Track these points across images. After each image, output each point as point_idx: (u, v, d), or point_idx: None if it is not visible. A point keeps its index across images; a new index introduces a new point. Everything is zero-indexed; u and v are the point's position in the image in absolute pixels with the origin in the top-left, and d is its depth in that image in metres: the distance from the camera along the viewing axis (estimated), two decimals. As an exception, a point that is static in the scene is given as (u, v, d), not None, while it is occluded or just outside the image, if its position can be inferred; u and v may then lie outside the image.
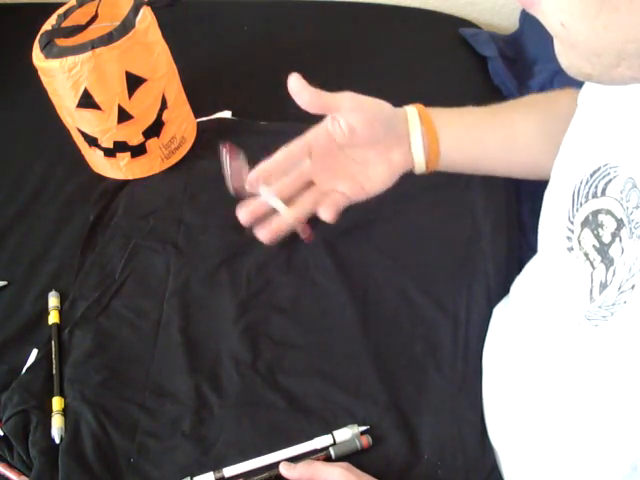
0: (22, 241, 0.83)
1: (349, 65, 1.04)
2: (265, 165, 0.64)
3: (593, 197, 0.49)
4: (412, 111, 0.64)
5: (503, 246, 0.78)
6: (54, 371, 0.69)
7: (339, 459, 0.62)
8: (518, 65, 1.06)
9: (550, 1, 0.33)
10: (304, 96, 0.57)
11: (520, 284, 0.68)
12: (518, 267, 0.71)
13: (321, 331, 0.72)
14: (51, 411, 0.66)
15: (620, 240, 0.46)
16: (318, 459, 0.62)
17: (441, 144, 0.64)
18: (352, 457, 0.63)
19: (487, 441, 0.64)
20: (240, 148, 0.64)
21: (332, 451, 0.63)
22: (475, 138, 0.66)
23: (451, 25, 1.12)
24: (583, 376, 0.47)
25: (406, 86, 1.01)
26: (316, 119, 0.95)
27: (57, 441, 0.64)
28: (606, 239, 0.47)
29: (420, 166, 0.66)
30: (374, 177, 0.65)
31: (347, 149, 0.64)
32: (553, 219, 0.55)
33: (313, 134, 0.64)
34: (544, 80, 0.98)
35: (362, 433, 0.64)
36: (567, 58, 0.36)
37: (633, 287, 0.41)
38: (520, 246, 0.79)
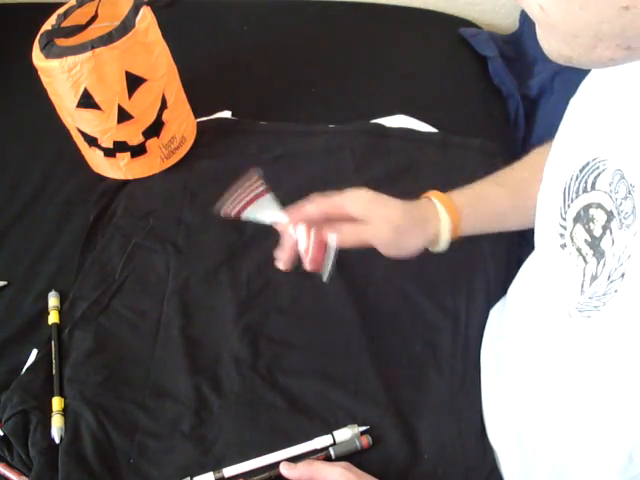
0: (22, 241, 0.83)
1: (349, 65, 1.04)
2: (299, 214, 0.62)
3: (583, 192, 0.49)
4: (444, 215, 0.64)
5: (503, 245, 0.79)
6: (54, 371, 0.69)
7: (339, 459, 0.62)
8: (518, 65, 1.06)
9: None
10: None
11: (516, 282, 0.68)
12: (517, 266, 0.71)
13: (321, 331, 0.72)
14: (51, 411, 0.66)
15: (610, 232, 0.46)
16: (318, 459, 0.62)
17: (462, 232, 0.66)
18: (352, 457, 0.63)
19: (487, 441, 0.64)
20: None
21: (332, 451, 0.63)
22: (493, 221, 0.68)
23: (451, 25, 1.13)
24: (577, 368, 0.47)
25: (406, 86, 1.01)
26: (316, 120, 0.95)
27: (57, 441, 0.64)
28: (597, 232, 0.48)
29: (439, 250, 0.67)
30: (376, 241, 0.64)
31: None
32: (546, 217, 0.55)
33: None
34: (544, 80, 0.98)
35: (362, 433, 0.64)
36: (547, 42, 0.37)
37: (623, 275, 0.42)
38: (519, 245, 0.79)
